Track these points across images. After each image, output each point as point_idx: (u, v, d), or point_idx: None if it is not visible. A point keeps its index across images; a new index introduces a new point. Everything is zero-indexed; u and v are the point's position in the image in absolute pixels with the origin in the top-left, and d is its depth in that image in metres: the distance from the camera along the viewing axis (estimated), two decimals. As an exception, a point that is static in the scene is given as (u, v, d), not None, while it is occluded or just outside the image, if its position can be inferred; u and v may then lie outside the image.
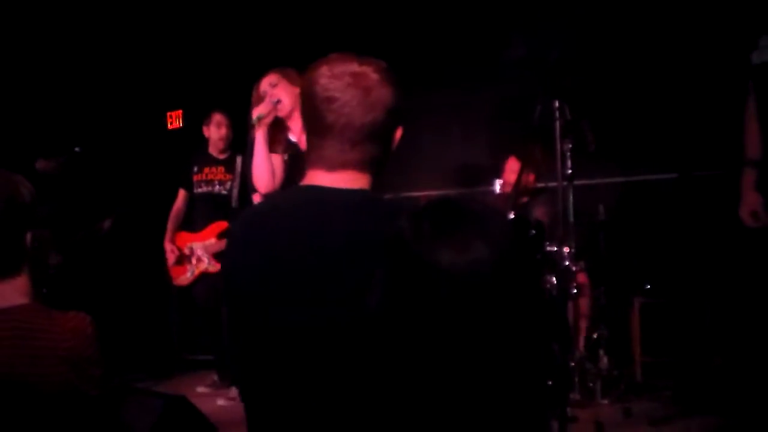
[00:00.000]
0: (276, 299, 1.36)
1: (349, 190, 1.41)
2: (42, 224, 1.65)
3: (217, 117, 4.91)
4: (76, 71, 6.07)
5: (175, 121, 6.28)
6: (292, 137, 3.26)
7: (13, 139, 5.35)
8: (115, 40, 6.05)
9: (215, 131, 4.91)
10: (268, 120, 3.17)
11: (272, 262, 1.38)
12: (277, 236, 1.40)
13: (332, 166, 1.42)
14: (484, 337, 0.96)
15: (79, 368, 1.48)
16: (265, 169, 3.13)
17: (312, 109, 1.41)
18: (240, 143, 4.95)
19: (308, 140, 1.45)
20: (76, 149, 5.31)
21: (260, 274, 1.39)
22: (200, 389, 4.84)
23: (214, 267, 4.74)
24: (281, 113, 3.20)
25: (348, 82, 1.38)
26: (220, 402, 4.48)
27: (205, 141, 5.02)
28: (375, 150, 1.43)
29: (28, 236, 1.57)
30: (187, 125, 6.04)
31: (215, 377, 4.94)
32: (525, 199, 4.75)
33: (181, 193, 4.97)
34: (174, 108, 6.26)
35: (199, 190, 4.90)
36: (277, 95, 3.19)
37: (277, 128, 3.24)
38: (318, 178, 1.43)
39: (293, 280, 1.35)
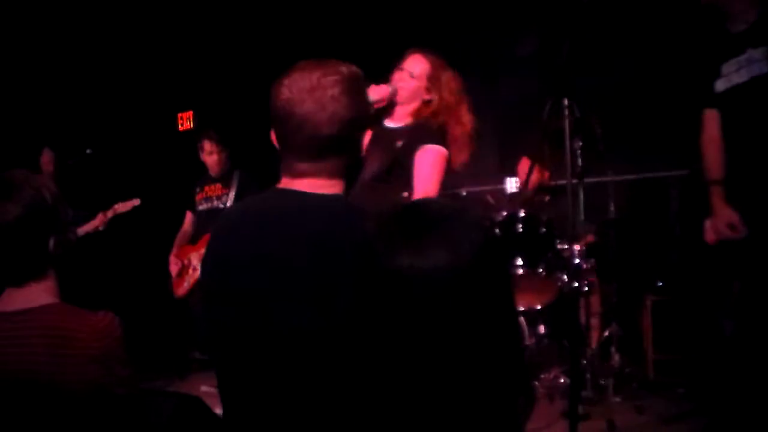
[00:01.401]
0: (243, 298, 1.40)
1: (320, 195, 1.44)
2: (67, 227, 1.64)
3: (207, 146, 5.04)
4: (88, 73, 6.11)
5: (186, 122, 6.32)
6: (389, 123, 3.07)
7: (26, 140, 5.40)
8: (126, 42, 6.08)
9: (207, 158, 5.06)
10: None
11: (241, 261, 1.42)
12: (249, 236, 1.44)
13: (302, 175, 1.46)
14: (445, 341, 0.95)
15: (108, 368, 1.49)
16: None
17: (277, 122, 1.45)
18: (240, 157, 5.08)
19: (279, 150, 1.49)
20: (88, 151, 5.35)
21: (229, 272, 1.43)
22: (204, 388, 4.88)
23: None
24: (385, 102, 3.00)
25: (304, 98, 1.40)
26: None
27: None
28: (339, 159, 1.46)
29: (52, 240, 1.58)
30: (197, 126, 6.07)
31: None
32: (546, 198, 4.70)
33: (188, 216, 5.16)
34: (185, 109, 6.30)
35: (201, 207, 5.10)
36: (396, 82, 3.01)
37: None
38: (291, 183, 1.47)
39: (261, 281, 1.38)
